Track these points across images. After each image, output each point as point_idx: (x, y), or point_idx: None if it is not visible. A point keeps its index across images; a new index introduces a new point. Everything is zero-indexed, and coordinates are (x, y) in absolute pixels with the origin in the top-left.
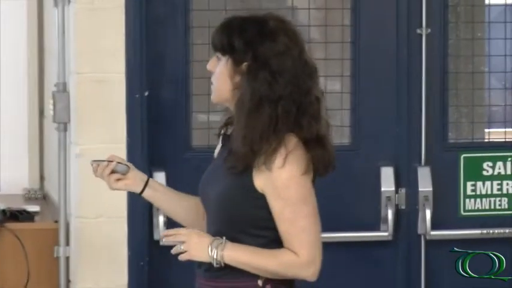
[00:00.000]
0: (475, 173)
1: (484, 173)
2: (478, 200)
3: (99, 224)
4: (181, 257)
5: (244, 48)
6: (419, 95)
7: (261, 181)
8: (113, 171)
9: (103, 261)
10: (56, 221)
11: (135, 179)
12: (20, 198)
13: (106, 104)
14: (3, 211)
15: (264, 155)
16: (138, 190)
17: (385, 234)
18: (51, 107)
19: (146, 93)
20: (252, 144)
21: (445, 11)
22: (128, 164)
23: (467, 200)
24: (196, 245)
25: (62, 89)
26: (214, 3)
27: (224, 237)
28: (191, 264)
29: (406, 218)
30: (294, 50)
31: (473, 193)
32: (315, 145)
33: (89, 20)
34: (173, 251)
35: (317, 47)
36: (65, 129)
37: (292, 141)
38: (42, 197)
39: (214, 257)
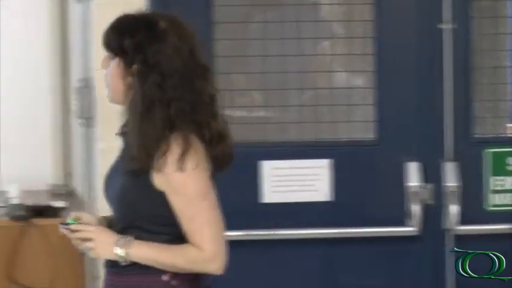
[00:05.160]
0: (500, 168)
1: (509, 168)
2: (505, 194)
3: None
4: (89, 255)
5: (134, 50)
6: (444, 90)
7: (159, 180)
8: None
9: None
10: None
11: None
12: (45, 194)
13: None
14: (29, 207)
15: (159, 156)
16: None
17: (412, 229)
18: (75, 102)
19: None
20: (147, 148)
21: (468, 6)
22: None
23: (493, 195)
24: (102, 244)
25: (86, 84)
26: None
27: (131, 236)
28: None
29: (432, 213)
30: (184, 51)
31: (500, 188)
32: (215, 142)
33: (111, 15)
34: (82, 249)
35: (340, 42)
36: (89, 125)
37: (184, 139)
38: (68, 193)
39: (121, 254)
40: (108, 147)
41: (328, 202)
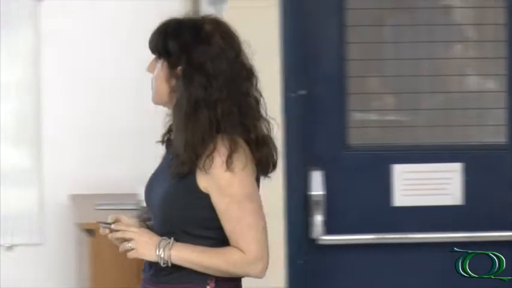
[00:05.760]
0: None
1: None
2: None
3: None
4: (129, 255)
5: (179, 52)
6: None
7: (204, 182)
8: None
9: None
10: None
11: None
12: None
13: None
14: None
15: (205, 157)
16: None
17: None
18: None
19: (302, 92)
20: (194, 148)
21: None
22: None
23: None
24: (144, 244)
25: None
26: (369, 2)
27: (172, 238)
28: (352, 263)
29: None
30: (230, 53)
31: None
32: (260, 145)
33: (243, 19)
34: (121, 249)
35: (471, 45)
36: None
37: (231, 140)
38: None
39: (162, 256)
40: None
41: (459, 206)
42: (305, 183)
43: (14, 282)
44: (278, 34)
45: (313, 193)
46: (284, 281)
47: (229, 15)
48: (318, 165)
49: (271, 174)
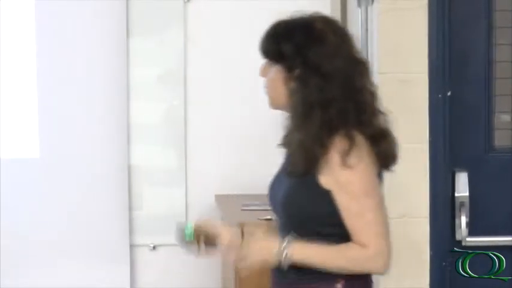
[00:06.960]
0: None
1: None
2: None
3: (402, 224)
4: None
5: (294, 54)
6: None
7: (325, 179)
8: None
9: (405, 261)
10: None
11: None
12: None
13: (409, 104)
14: None
15: (325, 156)
16: None
17: None
18: None
19: (449, 93)
20: (309, 148)
21: None
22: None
23: None
24: (260, 251)
25: None
26: None
27: (287, 239)
28: (490, 267)
29: None
30: (344, 50)
31: None
32: (378, 140)
33: (392, 20)
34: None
35: None
36: None
37: (348, 137)
38: None
39: (283, 256)
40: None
41: None
42: (450, 185)
43: (159, 282)
44: (426, 35)
45: (458, 194)
46: (428, 282)
47: (379, 16)
48: (463, 167)
49: (416, 176)
